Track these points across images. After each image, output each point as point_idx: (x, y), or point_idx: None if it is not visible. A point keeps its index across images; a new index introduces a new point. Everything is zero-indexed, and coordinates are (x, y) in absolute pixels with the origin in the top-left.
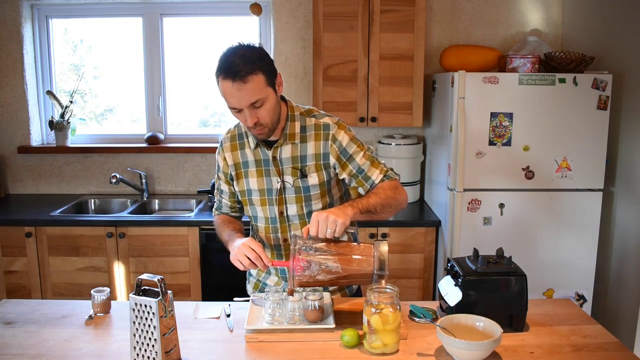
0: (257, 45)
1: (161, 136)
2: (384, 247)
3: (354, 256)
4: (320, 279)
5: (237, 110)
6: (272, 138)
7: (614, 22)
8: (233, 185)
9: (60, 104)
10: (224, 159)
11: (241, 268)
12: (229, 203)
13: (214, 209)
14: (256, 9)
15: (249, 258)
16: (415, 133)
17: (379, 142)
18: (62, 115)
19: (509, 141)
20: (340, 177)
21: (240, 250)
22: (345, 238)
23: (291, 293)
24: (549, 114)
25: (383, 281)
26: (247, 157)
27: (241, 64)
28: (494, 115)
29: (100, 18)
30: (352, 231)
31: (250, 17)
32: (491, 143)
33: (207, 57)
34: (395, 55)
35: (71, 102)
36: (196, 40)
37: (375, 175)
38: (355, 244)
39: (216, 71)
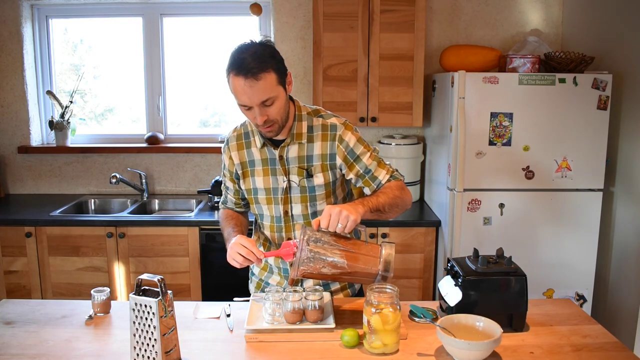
0: (269, 42)
1: (161, 136)
2: (391, 249)
3: (361, 254)
4: (325, 272)
5: (247, 108)
6: (279, 137)
7: (614, 22)
8: (238, 184)
9: (60, 104)
10: (230, 157)
11: (237, 266)
12: (234, 199)
13: (220, 202)
14: (256, 9)
15: (241, 255)
16: (415, 133)
17: (379, 142)
18: (62, 115)
19: (509, 141)
20: (347, 178)
21: (233, 249)
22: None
23: (292, 282)
24: (549, 114)
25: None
26: (254, 156)
27: (253, 62)
28: (494, 115)
29: (100, 18)
30: (362, 229)
31: (250, 17)
32: (491, 143)
33: (207, 57)
34: (395, 55)
35: (71, 102)
36: (196, 40)
37: (382, 176)
38: (363, 242)
39: (227, 68)
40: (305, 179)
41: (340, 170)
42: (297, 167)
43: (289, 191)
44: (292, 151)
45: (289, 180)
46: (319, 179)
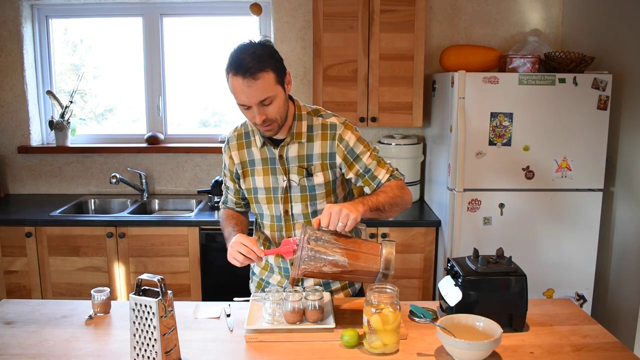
0: (267, 42)
1: (161, 136)
2: (392, 248)
3: (361, 252)
4: (326, 270)
5: (245, 107)
6: (279, 137)
7: (614, 22)
8: (239, 183)
9: (60, 104)
10: (230, 157)
11: (237, 265)
12: (234, 199)
13: (220, 202)
14: (256, 9)
15: (242, 253)
16: (415, 133)
17: (379, 142)
18: (62, 115)
19: (509, 141)
20: (347, 177)
21: (233, 248)
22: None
23: (293, 282)
24: (549, 114)
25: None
26: (254, 156)
27: (251, 62)
28: (494, 115)
29: (100, 18)
30: (362, 228)
31: (250, 17)
32: (491, 143)
33: (207, 57)
34: (395, 55)
35: (71, 102)
36: (196, 40)
37: (382, 175)
38: (363, 240)
39: (226, 67)
40: (305, 178)
41: (340, 169)
42: (297, 167)
43: (289, 190)
44: (292, 150)
45: (288, 180)
46: (318, 178)
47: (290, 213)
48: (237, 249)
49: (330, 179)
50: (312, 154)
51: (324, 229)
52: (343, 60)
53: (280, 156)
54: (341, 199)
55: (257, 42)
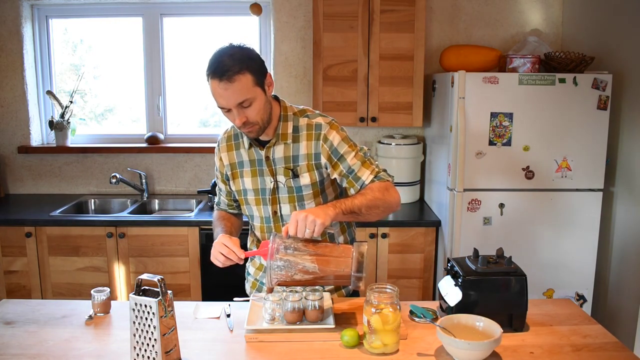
0: (247, 45)
1: (161, 136)
2: (363, 249)
3: (332, 257)
4: (298, 278)
5: (226, 110)
6: (265, 138)
7: (614, 22)
8: (229, 185)
9: (60, 104)
10: (220, 159)
11: (220, 265)
12: (226, 201)
13: (215, 203)
14: (256, 9)
15: (222, 254)
16: (415, 133)
17: (379, 142)
18: (62, 115)
19: (509, 141)
20: (332, 177)
21: (215, 249)
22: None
23: (270, 291)
24: (549, 114)
25: (361, 284)
26: (242, 157)
27: (229, 64)
28: (494, 115)
29: (100, 18)
30: (332, 232)
31: (250, 17)
32: (491, 143)
33: (207, 57)
34: (395, 55)
35: (71, 102)
36: (196, 40)
37: (366, 176)
38: (335, 244)
39: (206, 71)
40: (291, 179)
41: (326, 169)
42: (284, 168)
43: (276, 192)
44: (278, 151)
45: (276, 181)
46: (305, 179)
47: (279, 214)
48: (219, 249)
49: (317, 180)
50: (298, 155)
51: (292, 236)
52: (343, 60)
53: (267, 157)
54: (332, 199)
55: (236, 44)
